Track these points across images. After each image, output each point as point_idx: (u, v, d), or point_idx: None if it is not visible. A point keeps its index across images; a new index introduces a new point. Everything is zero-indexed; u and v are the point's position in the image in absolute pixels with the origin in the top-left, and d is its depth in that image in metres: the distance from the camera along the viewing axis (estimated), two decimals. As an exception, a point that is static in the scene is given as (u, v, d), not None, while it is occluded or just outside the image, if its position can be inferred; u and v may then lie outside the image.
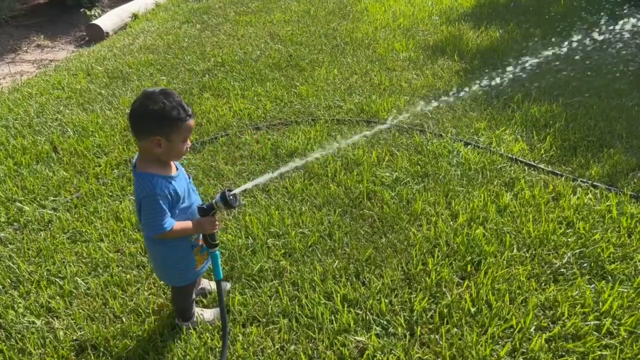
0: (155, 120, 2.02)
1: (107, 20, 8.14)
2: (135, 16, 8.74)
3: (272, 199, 3.60)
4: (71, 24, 8.71)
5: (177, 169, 2.28)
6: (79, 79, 5.99)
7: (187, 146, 2.16)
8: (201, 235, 2.36)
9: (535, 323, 2.59)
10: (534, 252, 3.04)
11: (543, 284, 2.83)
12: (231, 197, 2.22)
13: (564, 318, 2.61)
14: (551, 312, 2.66)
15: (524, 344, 2.50)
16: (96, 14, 8.56)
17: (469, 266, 2.94)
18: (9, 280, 3.03)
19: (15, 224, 3.54)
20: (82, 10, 8.58)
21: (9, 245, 3.33)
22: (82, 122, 4.86)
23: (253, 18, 8.05)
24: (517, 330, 2.55)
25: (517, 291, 2.77)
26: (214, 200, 2.25)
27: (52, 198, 3.78)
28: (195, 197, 2.39)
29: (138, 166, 2.16)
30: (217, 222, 2.31)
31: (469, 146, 4.13)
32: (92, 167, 4.13)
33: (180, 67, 6.21)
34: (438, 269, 2.93)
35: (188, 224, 2.24)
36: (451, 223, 3.31)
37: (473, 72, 5.56)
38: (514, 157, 3.95)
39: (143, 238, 2.39)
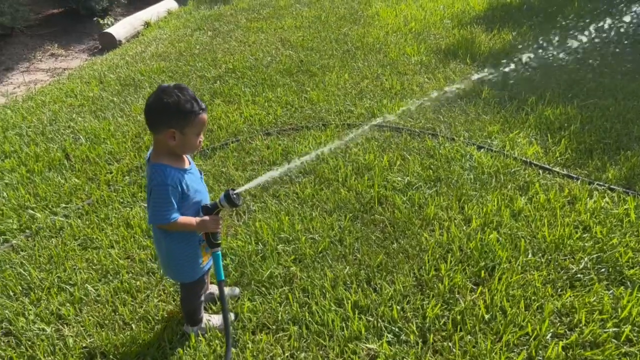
0: (170, 112, 2.08)
1: (120, 29, 8.22)
2: (147, 24, 8.83)
3: (282, 205, 3.57)
4: (85, 32, 8.81)
5: (189, 163, 2.32)
6: (92, 87, 6.04)
7: (200, 140, 2.21)
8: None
9: (551, 330, 2.52)
10: (549, 257, 2.97)
11: (559, 290, 2.76)
12: (234, 195, 2.25)
13: (581, 325, 2.54)
14: (568, 318, 2.59)
15: (540, 351, 2.43)
16: (109, 22, 8.64)
17: (482, 272, 2.88)
18: (20, 287, 3.03)
19: (27, 231, 3.55)
20: (95, 19, 8.68)
21: (20, 252, 3.34)
22: (94, 130, 4.89)
23: (264, 24, 8.07)
24: (532, 337, 2.48)
25: (533, 297, 2.70)
26: (217, 200, 2.28)
27: (63, 205, 3.79)
28: (206, 195, 2.41)
29: (152, 158, 2.21)
30: (220, 222, 2.33)
31: (482, 150, 4.07)
32: (103, 174, 4.15)
33: (192, 74, 6.24)
34: (451, 275, 2.87)
35: (192, 220, 2.25)
36: (464, 228, 3.25)
37: (485, 75, 5.50)
38: (528, 160, 3.88)
39: (152, 233, 2.39)
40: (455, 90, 5.14)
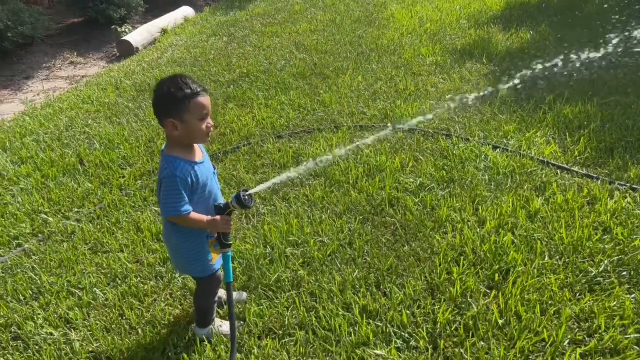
0: (164, 103, 2.09)
1: (137, 36, 8.32)
2: (164, 31, 8.91)
3: (291, 208, 3.52)
4: (103, 40, 8.95)
5: (202, 156, 2.29)
6: (108, 93, 6.10)
7: (208, 125, 2.15)
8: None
9: (569, 336, 2.40)
10: (567, 260, 2.85)
11: (578, 294, 2.64)
12: (246, 197, 2.20)
13: (601, 331, 2.42)
14: (587, 324, 2.48)
15: (557, 359, 2.32)
16: (127, 30, 8.75)
17: (496, 275, 2.78)
18: (30, 292, 3.04)
19: (39, 235, 3.58)
20: (113, 27, 8.80)
21: (32, 257, 3.36)
22: (108, 135, 4.93)
23: (279, 29, 8.07)
24: (549, 344, 2.38)
25: (549, 302, 2.59)
26: (230, 200, 2.24)
27: (76, 210, 3.81)
28: (218, 192, 2.38)
29: (165, 150, 2.21)
30: (231, 223, 2.29)
31: (498, 150, 3.96)
32: (116, 179, 4.16)
33: (206, 78, 6.26)
34: (464, 279, 2.78)
35: (203, 218, 2.22)
36: (478, 230, 3.15)
37: (502, 75, 5.38)
38: (545, 160, 3.76)
39: (162, 228, 2.38)
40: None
